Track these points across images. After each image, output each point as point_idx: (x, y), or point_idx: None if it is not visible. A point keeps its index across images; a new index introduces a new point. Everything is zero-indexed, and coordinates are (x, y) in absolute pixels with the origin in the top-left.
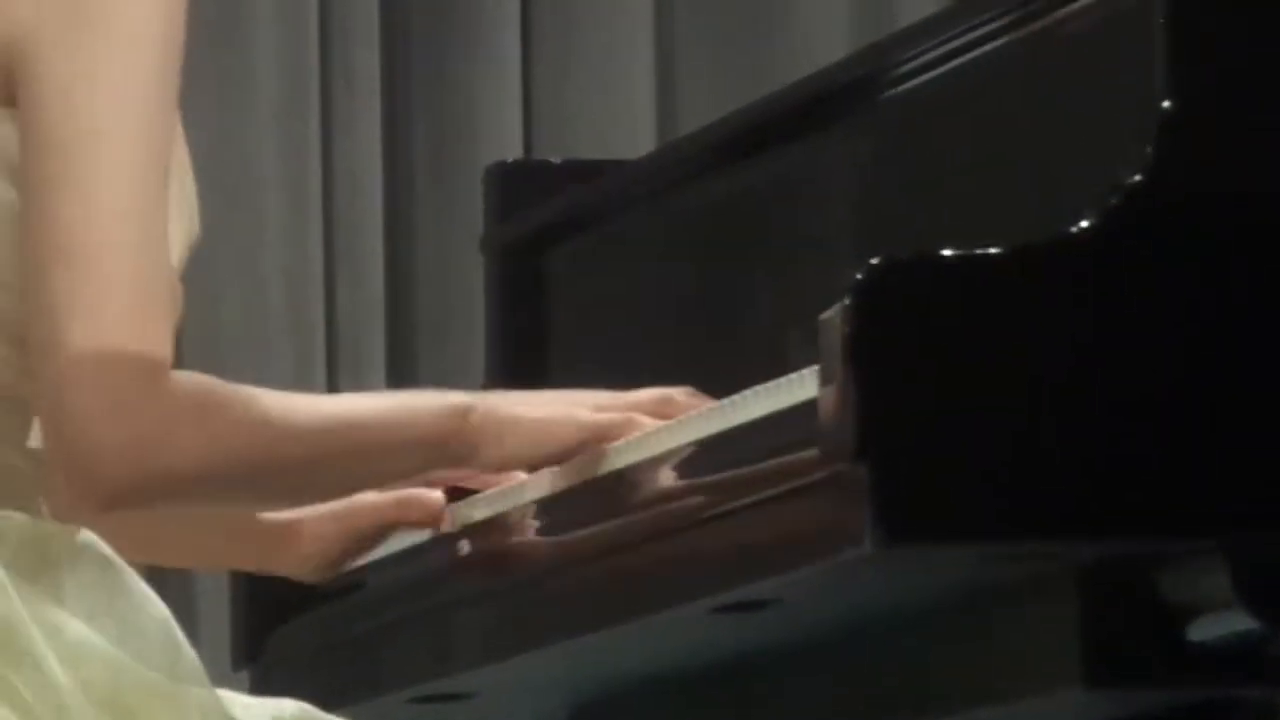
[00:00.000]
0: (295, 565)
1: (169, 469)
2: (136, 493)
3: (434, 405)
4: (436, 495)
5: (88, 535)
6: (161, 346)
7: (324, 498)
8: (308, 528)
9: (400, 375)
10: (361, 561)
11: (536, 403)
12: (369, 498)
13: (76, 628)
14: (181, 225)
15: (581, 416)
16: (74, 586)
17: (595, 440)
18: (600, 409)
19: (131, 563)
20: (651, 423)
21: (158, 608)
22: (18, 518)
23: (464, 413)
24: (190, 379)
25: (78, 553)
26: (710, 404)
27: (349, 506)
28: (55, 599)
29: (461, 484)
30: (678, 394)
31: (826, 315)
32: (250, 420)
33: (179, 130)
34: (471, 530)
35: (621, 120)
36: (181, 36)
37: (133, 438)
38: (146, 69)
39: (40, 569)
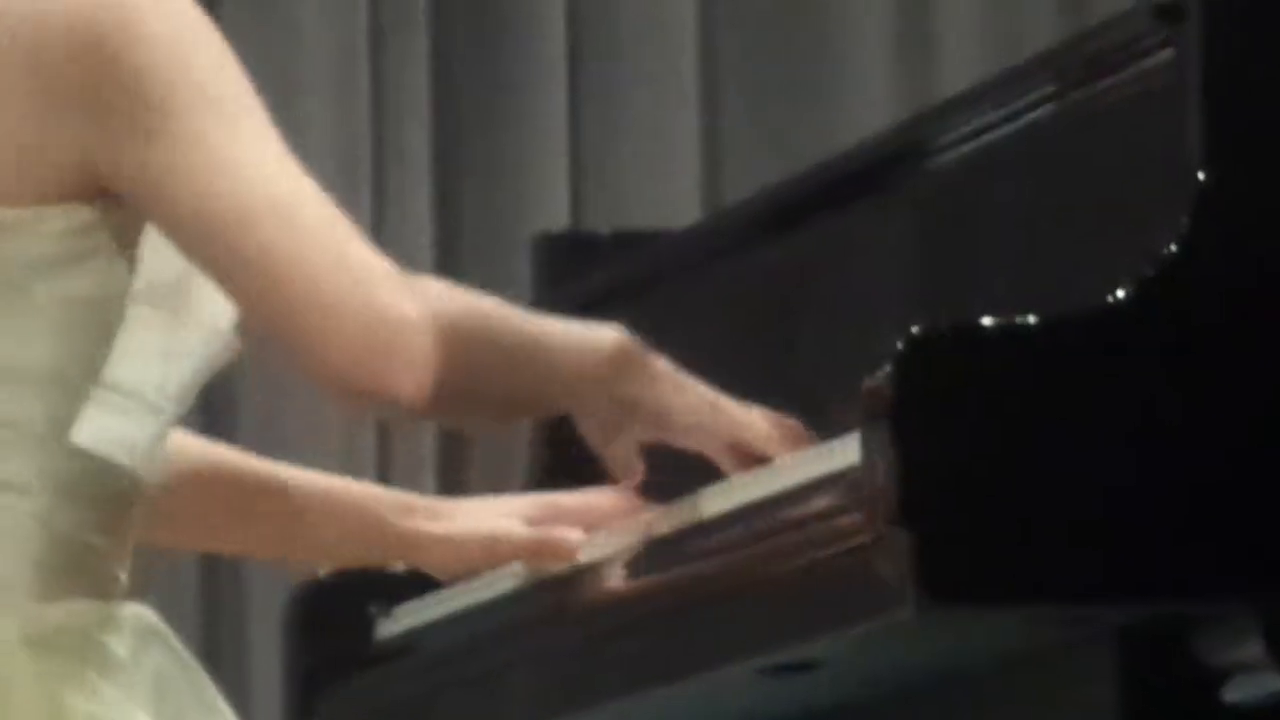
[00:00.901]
0: (434, 570)
1: (445, 378)
2: (428, 404)
3: (604, 332)
4: (575, 539)
5: (152, 620)
6: (390, 270)
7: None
8: (454, 548)
9: (450, 443)
10: (412, 624)
11: (702, 391)
12: (516, 533)
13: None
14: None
15: (730, 413)
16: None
17: (730, 437)
18: (742, 413)
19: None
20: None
21: (212, 701)
22: (79, 609)
23: (631, 343)
24: (431, 308)
25: (143, 640)
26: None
27: (495, 538)
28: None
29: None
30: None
31: (868, 383)
32: (478, 333)
33: None
34: (521, 595)
35: (667, 190)
36: (232, 60)
37: (422, 315)
38: (219, 90)
39: (112, 661)
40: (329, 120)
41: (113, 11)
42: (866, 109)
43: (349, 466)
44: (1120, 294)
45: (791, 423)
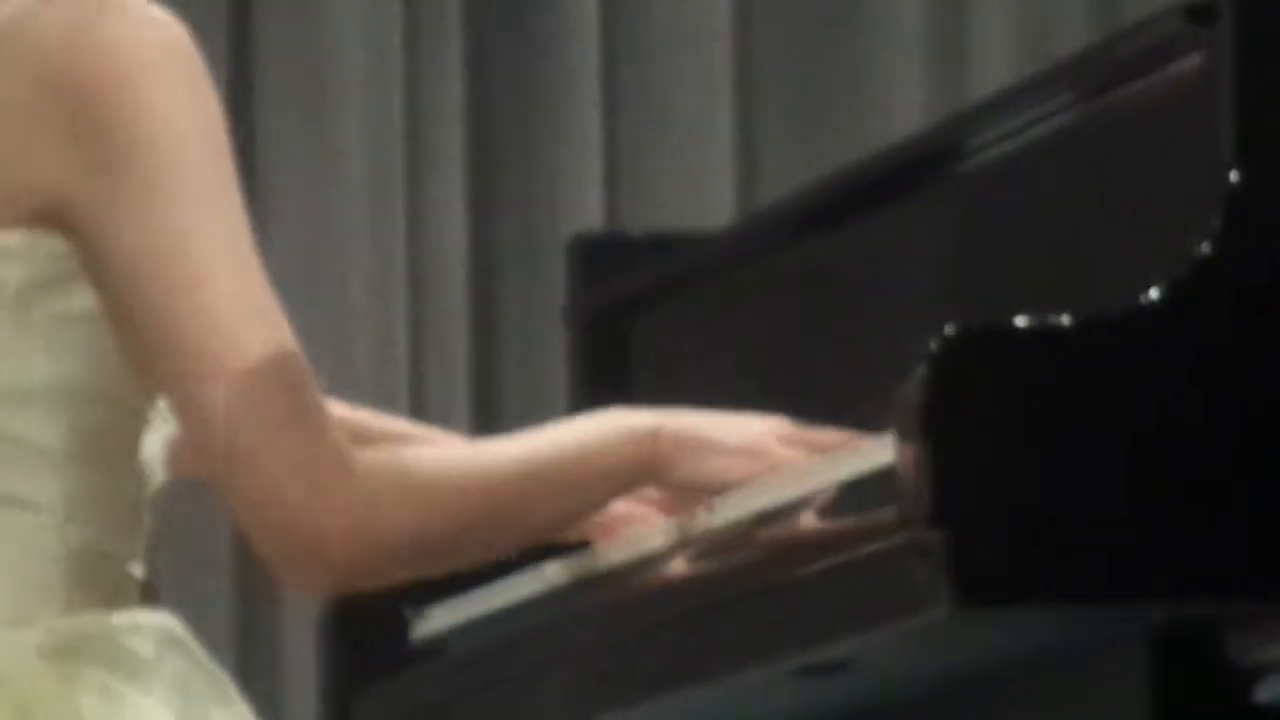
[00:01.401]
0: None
1: (379, 545)
2: (356, 575)
3: (622, 431)
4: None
5: (176, 630)
6: (335, 431)
7: (523, 542)
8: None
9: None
10: (446, 625)
11: (727, 427)
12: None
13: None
14: None
15: (772, 455)
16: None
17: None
18: (788, 441)
19: None
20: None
21: (234, 701)
22: (100, 619)
23: (652, 436)
24: (375, 457)
25: (166, 646)
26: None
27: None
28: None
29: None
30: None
31: (902, 384)
32: (444, 485)
33: None
34: (552, 596)
35: (702, 192)
36: (218, 115)
37: (346, 521)
38: (198, 162)
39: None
40: (363, 123)
41: (114, 66)
42: (900, 111)
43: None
44: (1153, 295)
45: (820, 433)
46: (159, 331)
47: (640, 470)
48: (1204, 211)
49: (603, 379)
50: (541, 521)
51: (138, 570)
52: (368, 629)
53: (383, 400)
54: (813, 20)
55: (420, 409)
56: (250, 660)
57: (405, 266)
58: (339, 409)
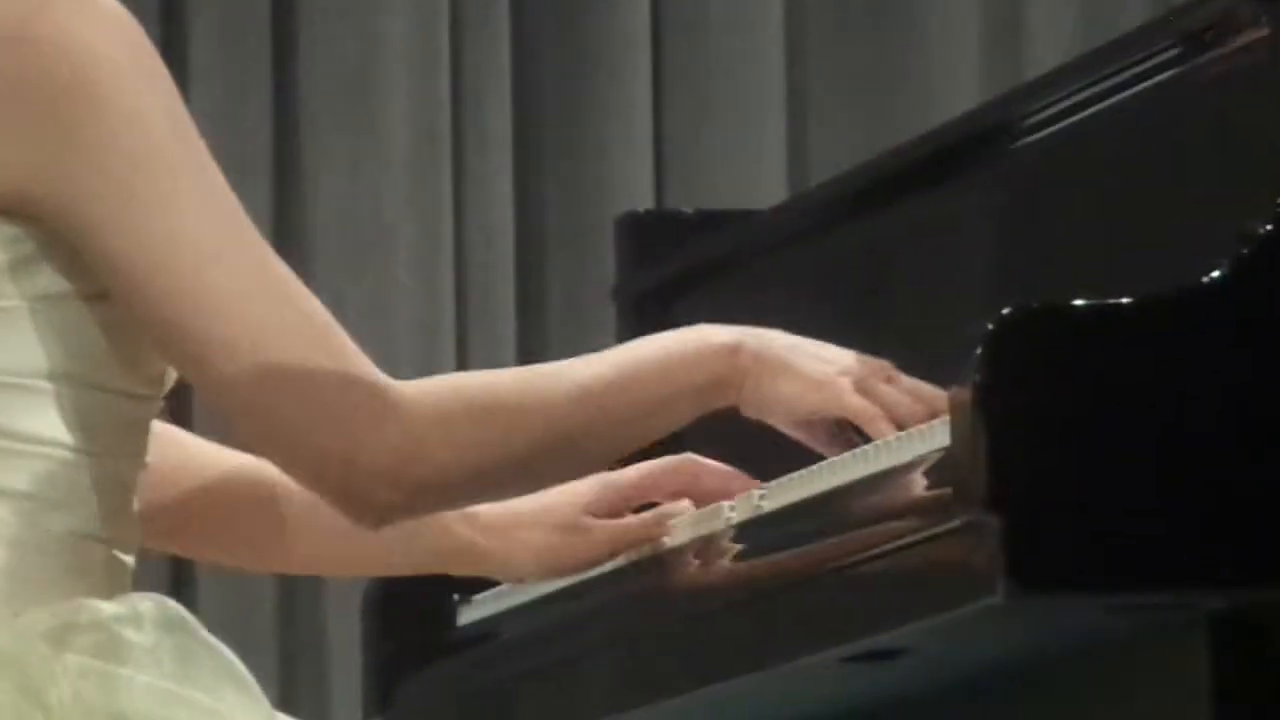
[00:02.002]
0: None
1: (430, 482)
2: (410, 508)
3: (703, 346)
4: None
5: (175, 611)
6: (366, 366)
7: (610, 459)
8: (529, 554)
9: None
10: (493, 611)
11: (807, 352)
12: (636, 529)
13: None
14: None
15: (842, 398)
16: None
17: (848, 420)
18: (864, 391)
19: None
20: (909, 404)
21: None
22: (79, 614)
23: (733, 351)
24: (424, 390)
25: (165, 629)
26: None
27: (616, 537)
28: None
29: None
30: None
31: (958, 365)
32: (501, 409)
33: None
34: (600, 581)
35: (752, 170)
36: (176, 97)
37: (387, 465)
38: (169, 153)
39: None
40: (409, 100)
41: (70, 61)
42: (954, 87)
43: None
44: (1215, 274)
45: (895, 389)
46: (167, 326)
47: (719, 384)
48: (1266, 190)
49: None
50: (620, 440)
51: (130, 557)
52: (413, 615)
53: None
54: (864, 6)
55: None
56: (294, 645)
57: (451, 243)
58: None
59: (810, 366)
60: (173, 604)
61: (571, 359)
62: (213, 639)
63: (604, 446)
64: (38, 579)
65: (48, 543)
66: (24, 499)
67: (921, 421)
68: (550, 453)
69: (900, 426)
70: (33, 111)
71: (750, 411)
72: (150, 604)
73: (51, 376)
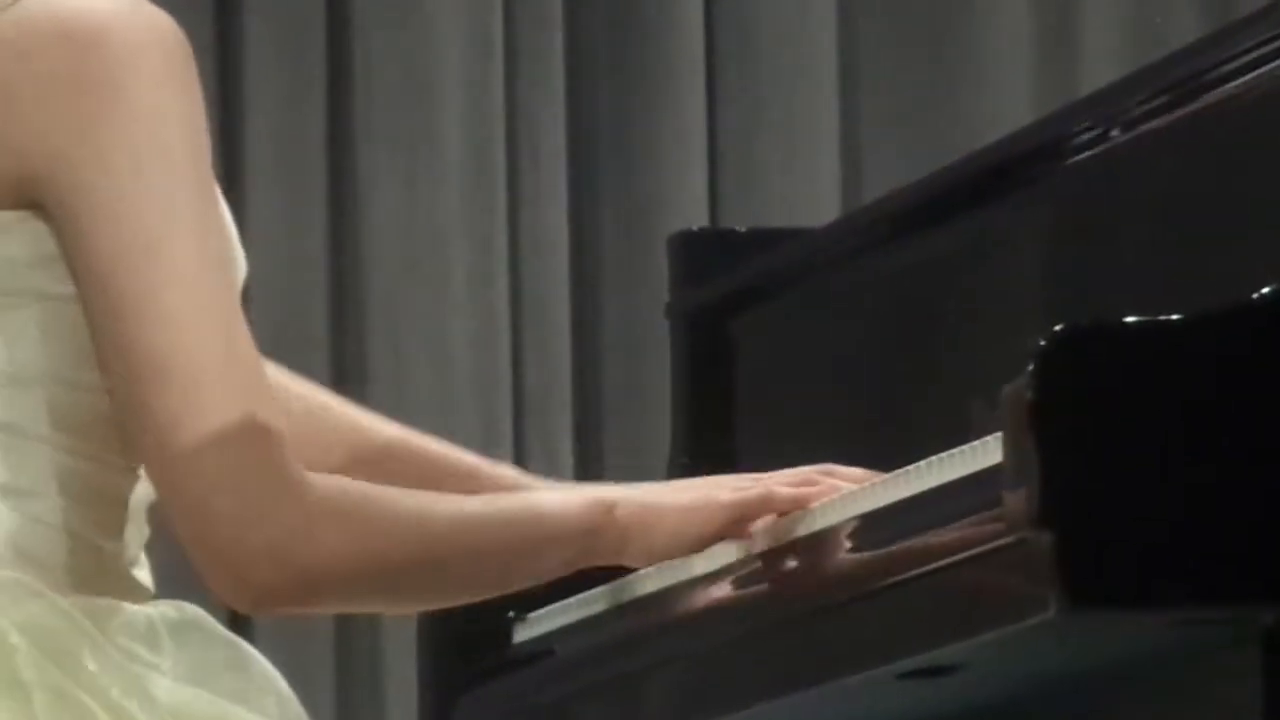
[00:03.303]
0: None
1: (312, 570)
2: (284, 594)
3: (577, 502)
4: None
5: (194, 612)
6: (282, 445)
7: (472, 596)
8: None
9: (586, 443)
10: (549, 629)
11: (677, 490)
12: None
13: (177, 693)
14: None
15: (722, 498)
16: (180, 663)
17: (738, 521)
18: (738, 490)
19: None
20: (789, 493)
21: (273, 681)
22: (103, 603)
23: (608, 508)
24: (326, 480)
25: (185, 630)
26: (865, 476)
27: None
28: (158, 673)
29: None
30: (818, 472)
31: (1010, 382)
32: (389, 519)
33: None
34: (655, 599)
35: (806, 188)
36: (202, 118)
37: (274, 542)
38: (178, 167)
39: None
40: (464, 117)
41: (104, 57)
42: (1008, 106)
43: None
44: (1265, 291)
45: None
46: (115, 330)
47: (596, 541)
48: None
49: (705, 375)
50: (486, 573)
51: (143, 575)
52: (469, 633)
53: (482, 392)
54: (918, 14)
55: (520, 403)
56: (350, 661)
57: (506, 257)
58: (392, 429)
59: (683, 497)
60: (189, 607)
61: (467, 496)
62: (236, 640)
63: (471, 577)
64: (49, 577)
65: (58, 541)
66: (40, 496)
67: (802, 481)
68: (420, 570)
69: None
70: (61, 104)
71: (641, 559)
72: (160, 610)
73: (58, 376)
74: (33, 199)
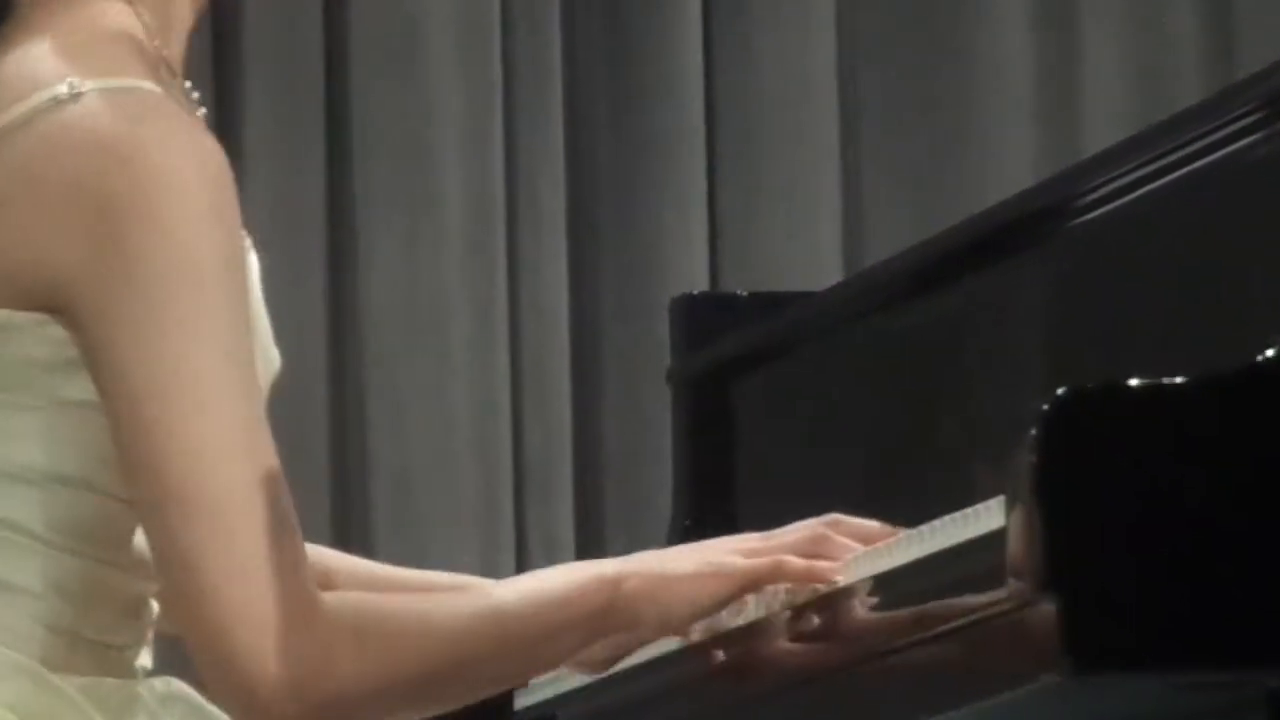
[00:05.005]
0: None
1: (336, 696)
2: None
3: (586, 581)
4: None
5: (180, 686)
6: (303, 576)
7: (495, 689)
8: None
9: (587, 507)
10: (550, 695)
11: (686, 557)
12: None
13: None
14: (261, 366)
15: (733, 565)
16: None
17: (748, 588)
18: (751, 554)
19: None
20: (800, 565)
21: None
22: (109, 683)
23: (616, 583)
24: (339, 600)
25: (172, 703)
26: (873, 528)
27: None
28: None
29: None
30: (830, 529)
31: (1013, 445)
32: (407, 633)
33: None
34: (655, 664)
35: (806, 252)
36: (238, 241)
37: (295, 673)
38: (207, 290)
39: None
40: (463, 179)
41: (144, 179)
42: (1008, 171)
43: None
44: (1270, 353)
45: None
46: (142, 452)
47: (609, 618)
48: None
49: (706, 438)
50: (511, 670)
51: (140, 659)
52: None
53: (483, 457)
54: (918, 77)
55: (521, 467)
56: None
57: (506, 324)
58: (348, 561)
59: (691, 565)
60: (177, 683)
61: (479, 583)
62: (218, 711)
63: (500, 672)
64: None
65: (56, 641)
66: (37, 596)
67: (825, 539)
68: (449, 677)
69: (813, 556)
70: (89, 215)
71: (654, 630)
72: (148, 686)
73: (62, 478)
74: (53, 304)
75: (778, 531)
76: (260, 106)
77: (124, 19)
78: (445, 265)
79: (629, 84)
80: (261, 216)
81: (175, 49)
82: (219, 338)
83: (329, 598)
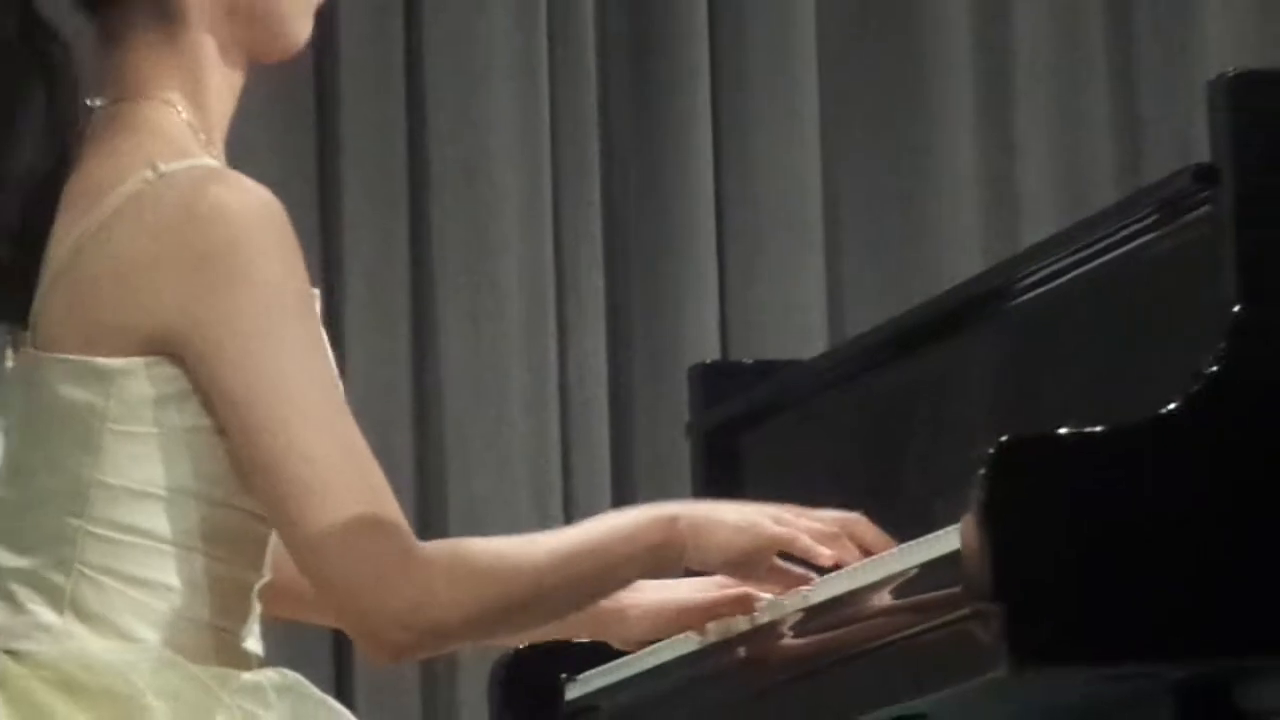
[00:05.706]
0: (623, 642)
1: (436, 624)
2: (416, 647)
3: (647, 519)
4: (757, 599)
5: (295, 677)
6: (400, 527)
7: (574, 612)
8: (646, 620)
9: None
10: (594, 688)
11: (730, 511)
12: (699, 600)
13: None
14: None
15: (763, 528)
16: (285, 717)
17: (768, 550)
18: (780, 523)
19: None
20: (806, 544)
21: None
22: (224, 671)
23: (673, 521)
24: (439, 547)
25: (287, 692)
26: (880, 540)
27: (684, 608)
28: None
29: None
30: (852, 526)
31: (968, 484)
32: (496, 568)
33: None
34: (680, 661)
35: (798, 325)
36: (304, 274)
37: (403, 609)
38: (290, 321)
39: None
40: (520, 269)
41: (225, 231)
42: (964, 258)
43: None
44: (1172, 406)
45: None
46: (255, 455)
47: (663, 550)
48: (1213, 337)
49: (719, 482)
50: (583, 596)
51: (255, 645)
52: (530, 691)
53: (538, 493)
54: (892, 179)
55: (569, 501)
56: (433, 717)
57: (556, 388)
58: None
59: (733, 517)
60: (289, 673)
61: (554, 530)
62: (327, 698)
63: (571, 601)
64: (183, 651)
65: (184, 628)
66: (173, 593)
67: (838, 537)
68: (530, 606)
69: (820, 543)
70: (190, 274)
71: (694, 564)
72: (266, 676)
73: (181, 490)
74: (164, 348)
75: (809, 511)
76: (356, 206)
77: (172, 117)
78: (505, 338)
79: (655, 193)
80: (358, 298)
81: (215, 137)
82: (302, 354)
83: (429, 546)
